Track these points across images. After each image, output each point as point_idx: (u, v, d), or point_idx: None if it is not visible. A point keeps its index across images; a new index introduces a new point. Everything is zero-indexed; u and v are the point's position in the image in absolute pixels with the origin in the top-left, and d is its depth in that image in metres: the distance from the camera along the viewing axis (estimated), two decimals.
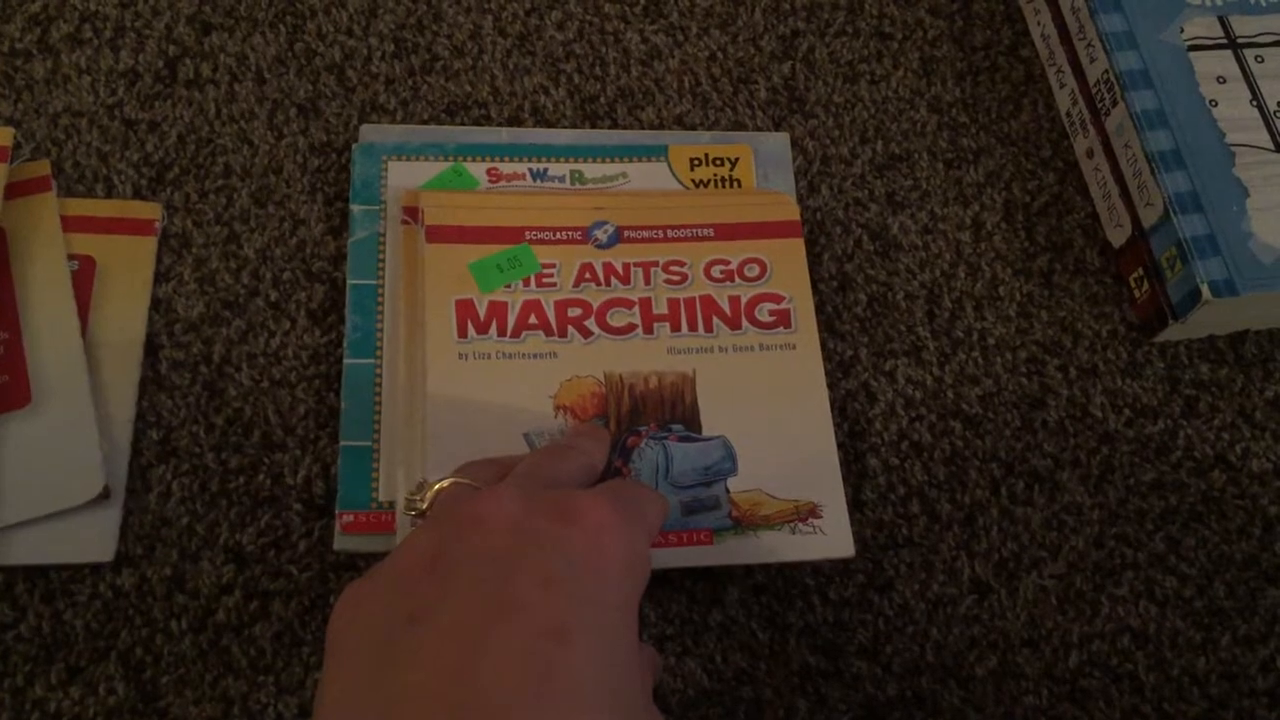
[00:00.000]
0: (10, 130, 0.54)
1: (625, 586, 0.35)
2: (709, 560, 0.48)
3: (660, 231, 0.54)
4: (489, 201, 0.54)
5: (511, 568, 0.33)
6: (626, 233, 0.54)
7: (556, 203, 0.55)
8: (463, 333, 0.51)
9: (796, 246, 0.55)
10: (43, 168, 0.54)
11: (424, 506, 0.41)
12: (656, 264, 0.53)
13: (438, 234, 0.52)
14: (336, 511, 0.49)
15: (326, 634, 0.35)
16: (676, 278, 0.53)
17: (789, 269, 0.54)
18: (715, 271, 0.54)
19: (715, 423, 0.50)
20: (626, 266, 0.53)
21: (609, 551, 0.35)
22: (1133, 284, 0.57)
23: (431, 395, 0.49)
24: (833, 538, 0.49)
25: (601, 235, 0.54)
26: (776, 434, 0.51)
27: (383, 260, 0.54)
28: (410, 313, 0.52)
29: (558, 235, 0.53)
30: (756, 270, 0.54)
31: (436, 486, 0.41)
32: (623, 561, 0.35)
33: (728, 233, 0.54)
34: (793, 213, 0.55)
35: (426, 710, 0.31)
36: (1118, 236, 0.58)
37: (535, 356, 0.51)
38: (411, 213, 0.54)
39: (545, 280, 0.52)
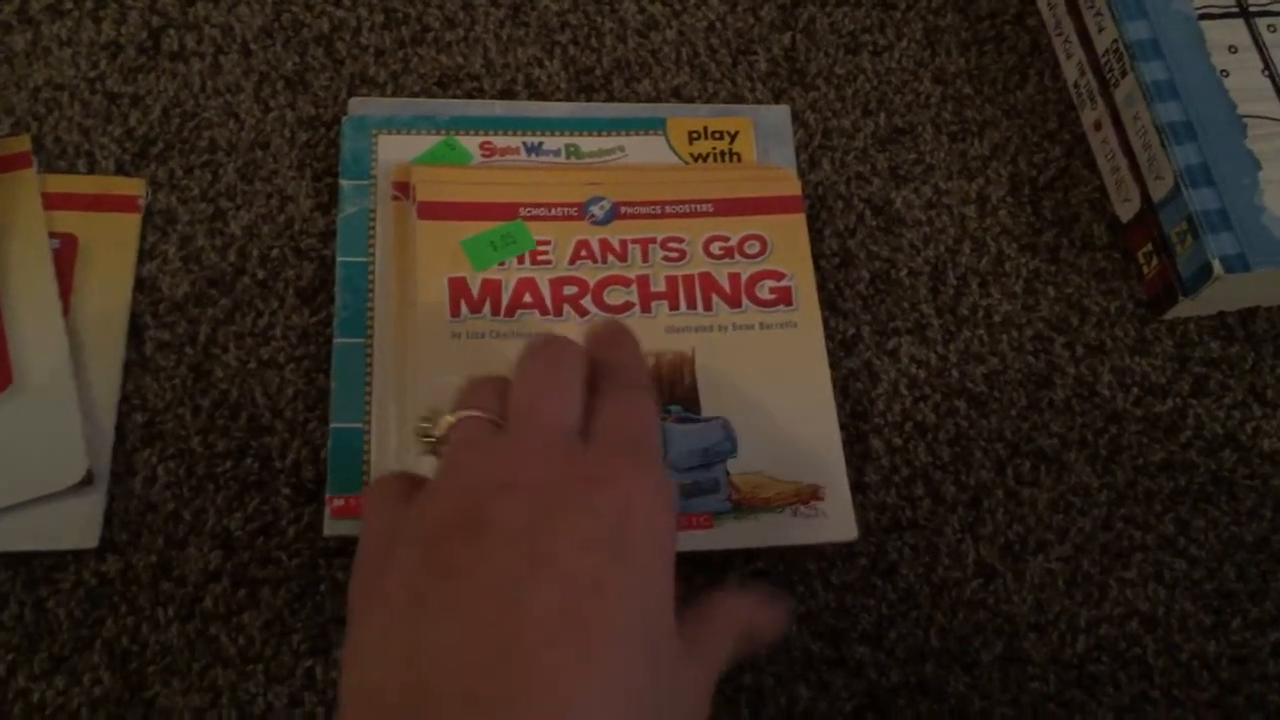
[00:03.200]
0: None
1: (655, 542, 0.35)
2: (708, 545, 0.47)
3: (658, 207, 0.53)
4: (482, 177, 0.53)
5: (546, 529, 0.34)
6: (623, 209, 0.53)
7: (551, 178, 0.53)
8: (455, 312, 0.49)
9: (798, 222, 0.53)
10: (23, 143, 0.53)
11: (440, 434, 0.40)
12: (654, 240, 0.52)
13: (430, 210, 0.51)
14: (326, 495, 0.47)
15: (350, 591, 0.36)
16: (675, 254, 0.52)
17: (790, 245, 0.53)
18: (715, 248, 0.52)
19: (714, 403, 0.49)
20: (624, 243, 0.52)
21: (638, 512, 0.35)
22: (1141, 259, 0.56)
23: (423, 376, 0.48)
24: (835, 520, 0.48)
25: (598, 211, 0.52)
26: (777, 414, 0.49)
27: (373, 237, 0.52)
28: (402, 291, 0.50)
29: (553, 211, 0.52)
30: (757, 247, 0.52)
31: (450, 418, 0.40)
32: (651, 520, 0.35)
33: (727, 208, 0.53)
34: (794, 188, 0.54)
35: (464, 653, 0.31)
36: (1126, 211, 0.57)
37: (530, 336, 0.49)
38: (402, 188, 0.53)
39: (540, 258, 0.51)
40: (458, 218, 0.51)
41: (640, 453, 0.38)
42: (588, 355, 0.42)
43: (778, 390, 0.50)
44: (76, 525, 0.46)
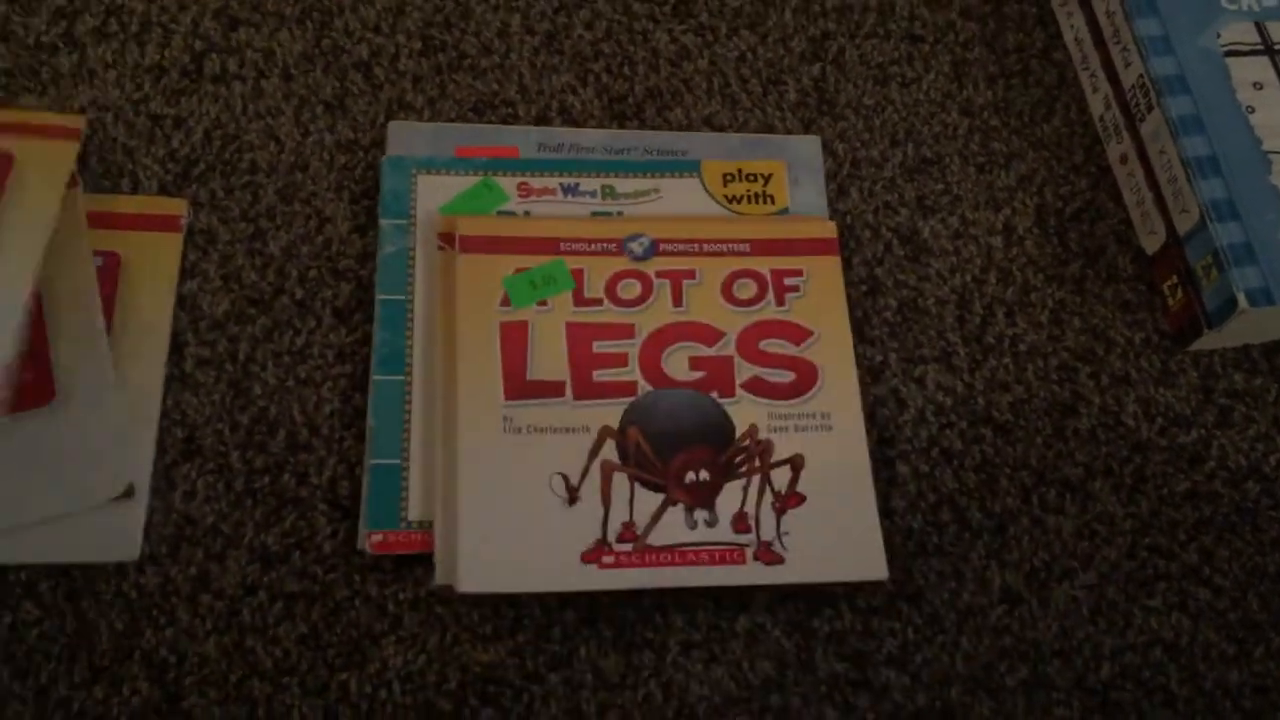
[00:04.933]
0: (81, 116, 0.53)
1: None
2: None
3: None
4: (525, 227, 0.54)
5: None
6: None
7: (591, 230, 0.54)
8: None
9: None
10: None
11: None
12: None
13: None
14: (366, 531, 0.48)
15: None
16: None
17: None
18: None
19: None
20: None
21: None
22: (1166, 292, 0.57)
23: (465, 446, 0.49)
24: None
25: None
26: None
27: (412, 275, 0.53)
28: (446, 337, 0.51)
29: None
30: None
31: None
32: None
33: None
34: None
35: None
36: (1151, 243, 0.58)
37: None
38: (448, 239, 0.53)
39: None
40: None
41: None
42: None
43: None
44: (117, 538, 0.47)
